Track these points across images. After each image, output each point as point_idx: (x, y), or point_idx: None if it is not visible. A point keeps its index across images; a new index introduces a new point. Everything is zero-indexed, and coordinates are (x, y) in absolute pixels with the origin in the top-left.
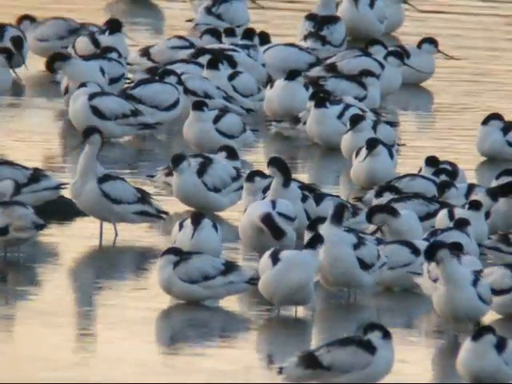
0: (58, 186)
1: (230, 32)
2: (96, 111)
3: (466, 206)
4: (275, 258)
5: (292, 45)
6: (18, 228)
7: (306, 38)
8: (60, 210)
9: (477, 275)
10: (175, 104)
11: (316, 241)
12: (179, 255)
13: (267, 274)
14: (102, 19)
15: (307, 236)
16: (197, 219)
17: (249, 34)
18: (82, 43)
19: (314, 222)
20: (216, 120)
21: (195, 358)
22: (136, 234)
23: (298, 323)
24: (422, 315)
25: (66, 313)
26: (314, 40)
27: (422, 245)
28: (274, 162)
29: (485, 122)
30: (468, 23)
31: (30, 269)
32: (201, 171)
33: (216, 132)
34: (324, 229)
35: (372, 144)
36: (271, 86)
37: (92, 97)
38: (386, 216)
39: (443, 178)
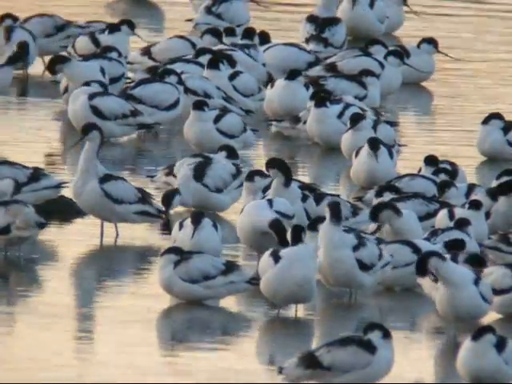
0: (59, 185)
1: (231, 32)
2: (96, 111)
3: (466, 206)
4: (276, 257)
5: (291, 44)
6: (20, 227)
7: (307, 40)
8: (60, 210)
9: (478, 274)
10: (175, 104)
11: (299, 235)
12: (180, 255)
13: (269, 273)
14: (102, 19)
15: (308, 236)
16: (197, 219)
17: (249, 33)
18: (82, 43)
19: (315, 222)
20: (216, 120)
21: (195, 357)
22: (136, 234)
23: (298, 323)
24: (423, 315)
25: (66, 312)
26: (316, 42)
27: (423, 244)
28: (273, 163)
29: (485, 121)
30: (468, 23)
31: (30, 268)
32: (201, 173)
33: (216, 132)
34: (323, 229)
35: (375, 144)
36: (271, 86)
37: (92, 97)
38: (392, 213)
39: (443, 177)
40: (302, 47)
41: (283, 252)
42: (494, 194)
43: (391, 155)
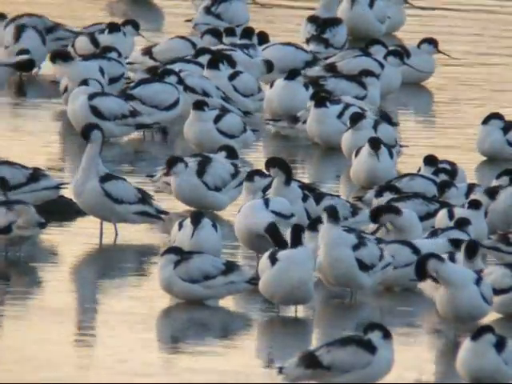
0: (58, 186)
1: (231, 32)
2: (95, 111)
3: (466, 206)
4: (273, 258)
5: (289, 44)
6: (21, 226)
7: (308, 41)
8: (60, 210)
9: (480, 274)
10: (175, 104)
11: (298, 237)
12: (180, 255)
13: (267, 274)
14: (102, 19)
15: (308, 236)
16: (196, 219)
17: (248, 33)
18: (82, 43)
19: (314, 222)
20: (217, 120)
21: (195, 357)
22: (136, 234)
23: (297, 323)
24: (423, 315)
25: (66, 312)
26: (317, 43)
27: (424, 244)
28: (273, 161)
29: (485, 121)
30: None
31: (31, 268)
32: (201, 171)
33: (217, 132)
34: (323, 229)
35: (376, 144)
36: (271, 86)
37: (92, 97)
38: (392, 216)
39: (443, 177)
40: (299, 46)
41: (280, 254)
42: (491, 193)
43: (391, 155)
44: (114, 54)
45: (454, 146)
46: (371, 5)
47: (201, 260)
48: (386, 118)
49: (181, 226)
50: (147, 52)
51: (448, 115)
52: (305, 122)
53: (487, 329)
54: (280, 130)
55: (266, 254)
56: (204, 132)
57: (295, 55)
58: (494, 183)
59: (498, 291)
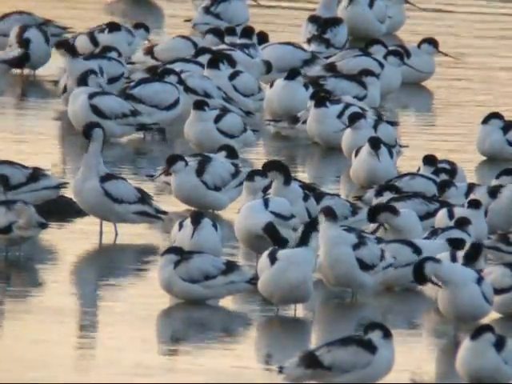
0: (58, 186)
1: (231, 31)
2: (96, 110)
3: (466, 205)
4: (273, 258)
5: (287, 43)
6: (21, 226)
7: (309, 41)
8: (60, 210)
9: (481, 274)
10: (175, 103)
11: (307, 237)
12: (180, 255)
13: (266, 274)
14: (102, 19)
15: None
16: (196, 219)
17: (247, 32)
18: (81, 42)
19: (315, 222)
20: (217, 119)
21: (195, 357)
22: (136, 234)
23: (297, 323)
24: (423, 315)
25: (66, 312)
26: (318, 43)
27: (423, 244)
28: (270, 165)
29: (485, 121)
30: (468, 22)
31: (31, 268)
32: (200, 170)
33: (217, 131)
34: (322, 229)
35: (376, 143)
36: (271, 86)
37: (92, 96)
38: (389, 215)
39: (443, 177)
40: (298, 45)
41: (280, 253)
42: (491, 192)
43: (391, 155)
44: (113, 54)
45: (453, 146)
46: (371, 5)
47: (201, 260)
48: (381, 119)
49: (181, 225)
50: (149, 52)
51: (448, 115)
52: (305, 122)
53: (487, 328)
54: (280, 131)
55: (266, 253)
56: (204, 132)
57: (293, 54)
58: (494, 183)
59: (497, 291)
